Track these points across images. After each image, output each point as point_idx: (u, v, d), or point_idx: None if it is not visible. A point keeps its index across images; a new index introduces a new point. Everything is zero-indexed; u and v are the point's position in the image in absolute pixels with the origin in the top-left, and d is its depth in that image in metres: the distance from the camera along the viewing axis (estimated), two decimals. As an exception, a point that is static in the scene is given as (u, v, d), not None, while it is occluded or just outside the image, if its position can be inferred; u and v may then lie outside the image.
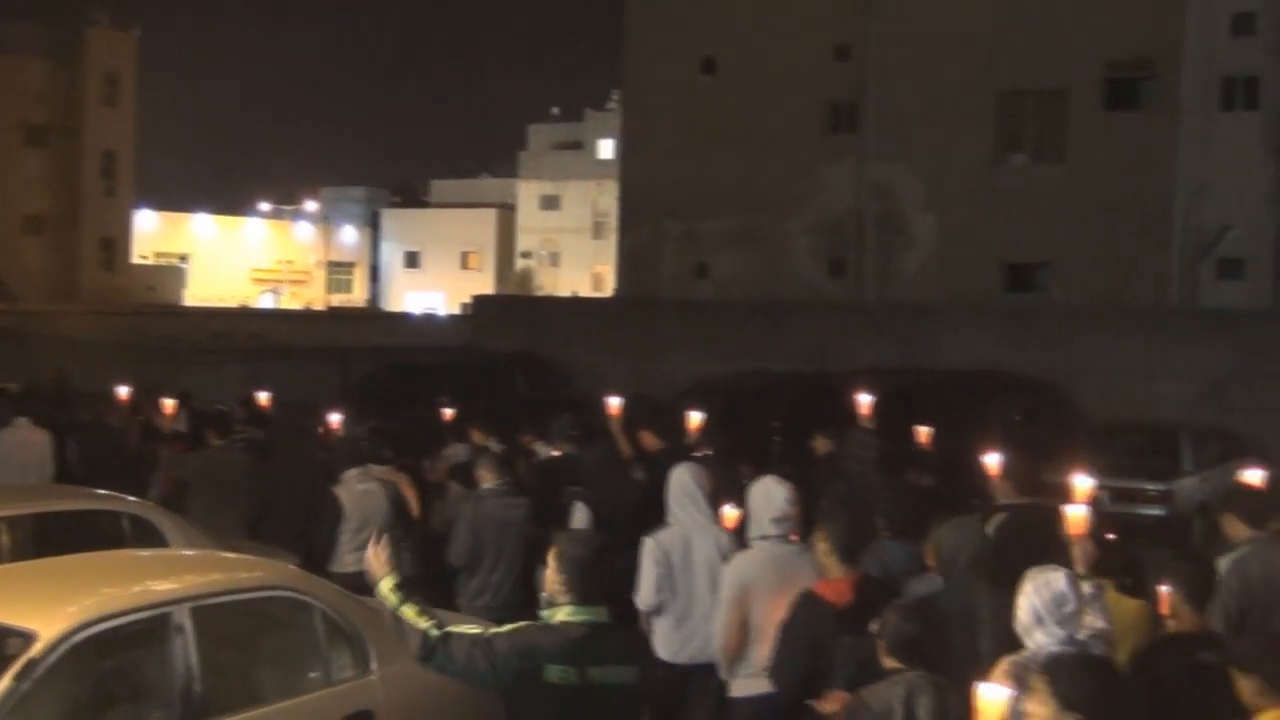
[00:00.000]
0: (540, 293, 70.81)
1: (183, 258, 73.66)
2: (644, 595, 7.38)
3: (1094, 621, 5.15)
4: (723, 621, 6.76)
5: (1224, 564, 6.97)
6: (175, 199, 78.52)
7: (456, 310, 58.90)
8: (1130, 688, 5.19)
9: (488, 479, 9.16)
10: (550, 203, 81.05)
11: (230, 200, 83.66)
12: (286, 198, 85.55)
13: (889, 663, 5.13)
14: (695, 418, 10.14)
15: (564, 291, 70.57)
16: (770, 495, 6.89)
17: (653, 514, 7.84)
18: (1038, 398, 21.36)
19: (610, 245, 49.49)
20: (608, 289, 59.91)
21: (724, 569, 7.00)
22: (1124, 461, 18.01)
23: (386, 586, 5.43)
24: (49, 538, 8.01)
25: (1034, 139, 29.89)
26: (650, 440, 10.08)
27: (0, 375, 18.17)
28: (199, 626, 6.08)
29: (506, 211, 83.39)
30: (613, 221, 49.25)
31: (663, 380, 23.01)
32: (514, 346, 26.78)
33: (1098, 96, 28.80)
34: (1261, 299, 26.79)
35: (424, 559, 9.42)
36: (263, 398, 14.00)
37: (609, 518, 8.78)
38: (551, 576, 5.26)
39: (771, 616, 6.51)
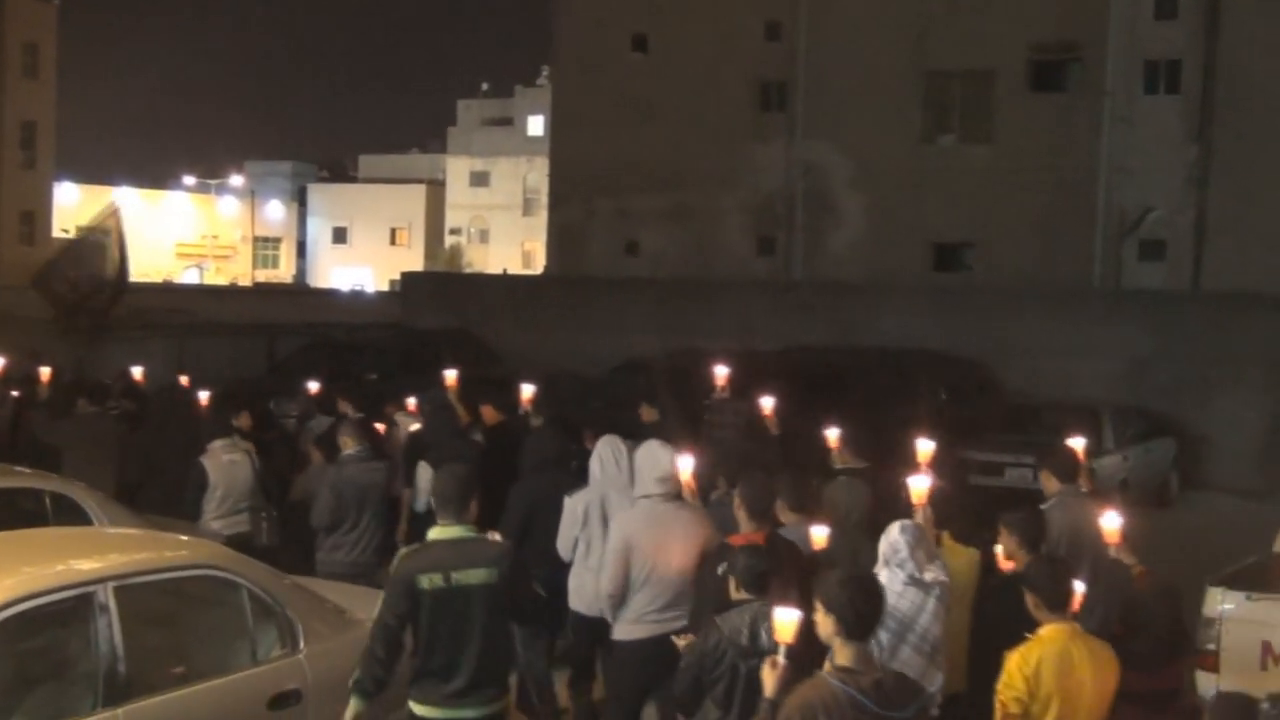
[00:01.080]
0: (470, 270, 70.45)
1: (105, 232, 72.44)
2: (562, 549, 8.16)
3: (938, 575, 6.38)
4: (608, 574, 7.39)
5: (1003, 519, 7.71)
6: (97, 172, 77.37)
7: (385, 287, 58.52)
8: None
9: (349, 445, 9.71)
10: (480, 179, 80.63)
11: (154, 174, 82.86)
12: (212, 171, 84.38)
13: (738, 595, 5.88)
14: (527, 390, 11.03)
15: (494, 269, 70.28)
16: (655, 458, 7.53)
17: (492, 476, 8.41)
18: (964, 376, 21.62)
19: (540, 222, 49.34)
20: (538, 266, 59.78)
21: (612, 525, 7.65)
22: (1047, 439, 18.31)
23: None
24: (-30, 517, 7.87)
25: (961, 119, 30.15)
26: (490, 413, 10.96)
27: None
28: (123, 606, 6.02)
29: (436, 188, 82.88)
30: (543, 198, 49.11)
31: (593, 357, 23.03)
32: (443, 324, 26.62)
33: (1024, 78, 29.11)
34: (1182, 281, 27.27)
35: (284, 526, 9.97)
36: (137, 372, 14.26)
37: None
38: (434, 501, 6.52)
39: (653, 568, 7.27)
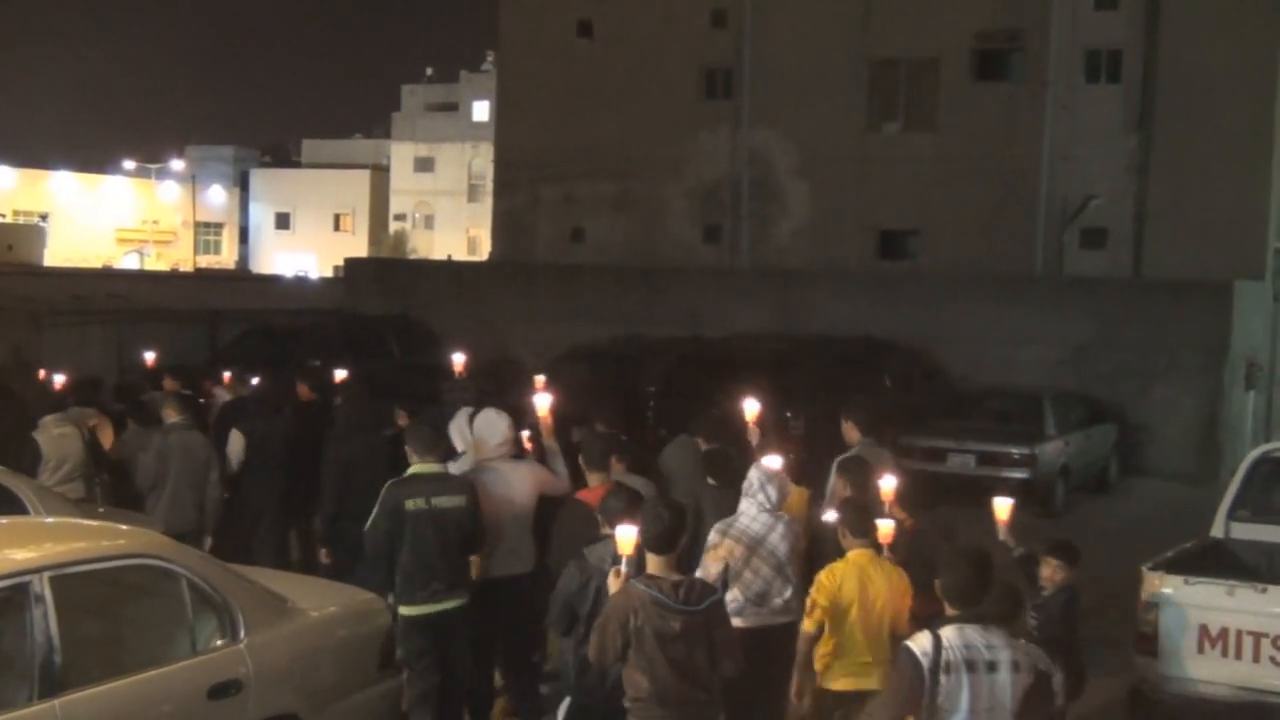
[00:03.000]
0: (414, 256, 70.05)
1: (43, 216, 71.36)
2: None
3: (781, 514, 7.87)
4: None
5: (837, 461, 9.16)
6: (34, 155, 76.33)
7: (329, 273, 58.05)
8: None
9: (172, 415, 11.00)
10: (424, 165, 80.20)
11: (92, 157, 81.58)
12: (152, 155, 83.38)
13: (605, 530, 6.87)
14: (340, 374, 13.48)
15: (439, 255, 69.93)
16: (494, 424, 8.71)
17: (301, 446, 10.95)
18: (908, 363, 21.79)
19: (486, 208, 49.11)
20: (484, 253, 59.51)
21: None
22: (990, 426, 18.55)
23: None
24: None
25: (906, 107, 30.25)
26: (305, 391, 12.73)
27: None
28: (59, 596, 5.95)
29: (380, 173, 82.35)
30: (488, 185, 48.85)
31: (538, 344, 22.98)
32: (387, 310, 26.47)
33: (967, 66, 29.25)
34: (1122, 268, 27.55)
35: (113, 490, 11.14)
36: None
37: (262, 445, 11.21)
38: (408, 447, 8.25)
39: (497, 519, 8.39)
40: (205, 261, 77.40)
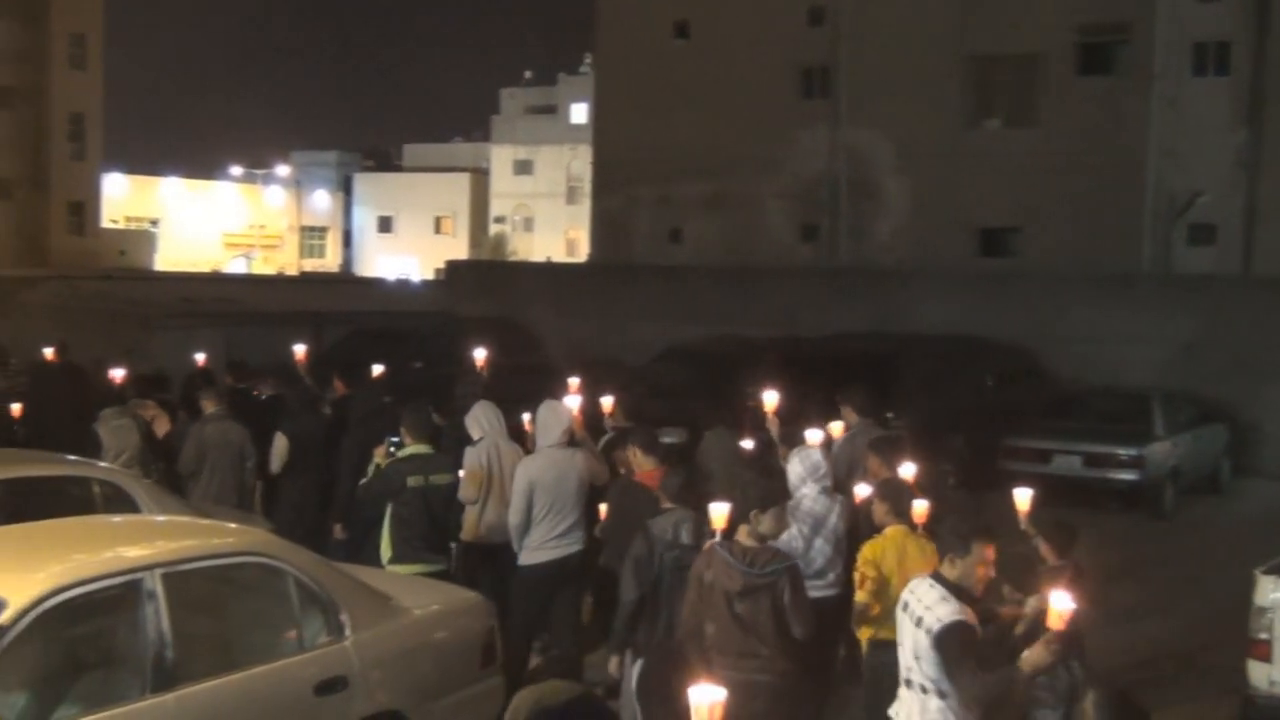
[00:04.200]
0: (514, 258, 70.56)
1: (153, 222, 72.99)
2: (465, 495, 9.60)
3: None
4: (514, 508, 8.95)
5: (837, 442, 9.98)
6: (145, 162, 77.75)
7: (430, 276, 58.68)
8: None
9: (210, 407, 11.58)
10: (524, 167, 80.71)
11: (201, 164, 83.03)
12: (258, 161, 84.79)
13: (666, 504, 7.81)
14: (377, 368, 13.42)
15: (538, 256, 70.37)
16: (559, 413, 9.21)
17: (337, 440, 11.57)
18: (1010, 363, 21.45)
19: (584, 210, 49.35)
20: (582, 254, 59.79)
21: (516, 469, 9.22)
22: (1096, 426, 18.17)
23: None
24: (20, 504, 7.95)
25: (1006, 103, 29.87)
26: (340, 387, 13.30)
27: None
28: (170, 592, 6.05)
29: (480, 176, 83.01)
30: (586, 186, 49.10)
31: (636, 345, 23.02)
32: (487, 312, 26.67)
33: (1070, 61, 28.80)
34: (1232, 265, 26.92)
35: (167, 475, 11.38)
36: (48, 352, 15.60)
37: (304, 442, 11.57)
38: (405, 430, 9.31)
39: (550, 506, 8.88)
40: (310, 265, 78.64)
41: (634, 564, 7.54)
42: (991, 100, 30.12)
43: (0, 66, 55.74)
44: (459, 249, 72.37)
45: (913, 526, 7.70)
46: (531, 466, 9.04)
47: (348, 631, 6.85)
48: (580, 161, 68.55)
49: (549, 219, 78.88)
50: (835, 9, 30.96)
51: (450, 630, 7.75)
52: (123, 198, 71.41)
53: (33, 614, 5.55)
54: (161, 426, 12.32)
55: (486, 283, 30.38)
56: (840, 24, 30.89)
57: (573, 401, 9.60)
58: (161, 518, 8.35)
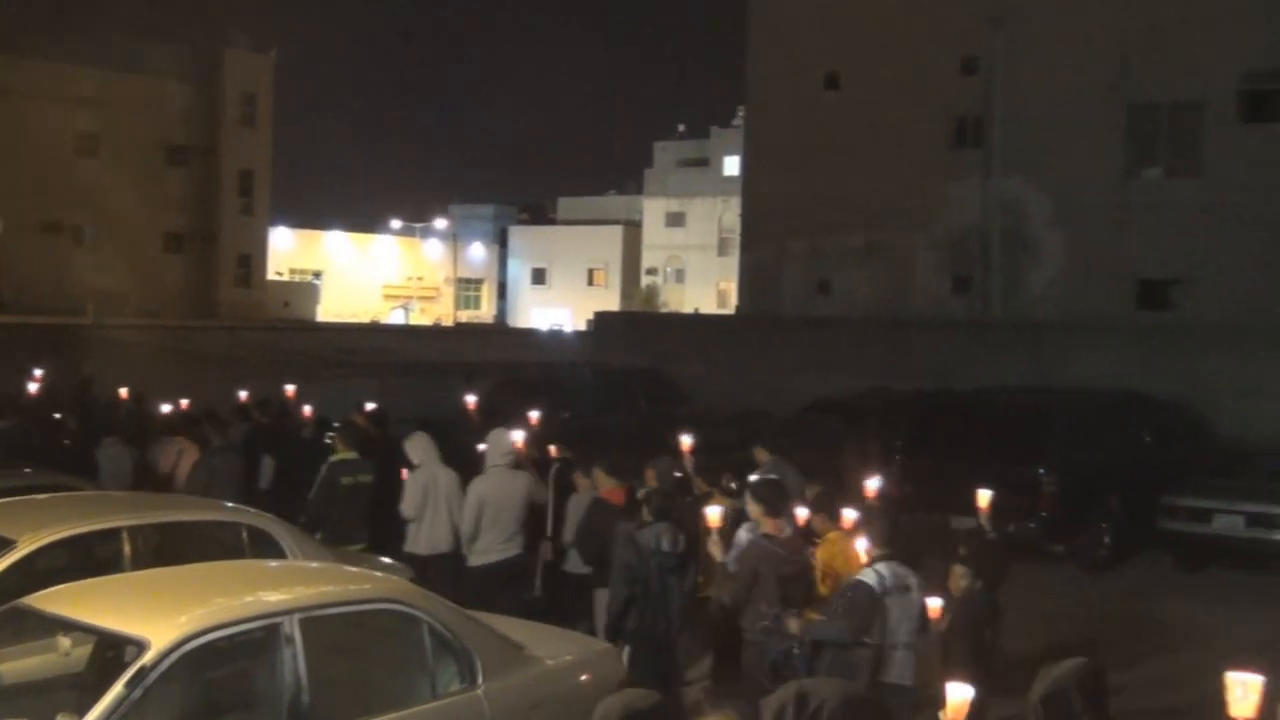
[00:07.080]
0: (665, 309, 70.90)
1: (317, 274, 75.21)
2: (407, 509, 11.25)
3: None
4: (466, 519, 10.67)
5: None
6: (310, 216, 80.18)
7: (583, 327, 59.30)
8: None
9: (215, 440, 13.38)
10: (675, 219, 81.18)
11: (363, 218, 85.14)
12: (417, 215, 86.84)
13: (646, 518, 8.94)
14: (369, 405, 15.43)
15: (689, 308, 70.60)
16: (502, 439, 10.95)
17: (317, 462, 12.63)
18: (1170, 418, 20.76)
19: (735, 262, 49.37)
20: (732, 305, 59.84)
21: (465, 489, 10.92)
22: (1261, 485, 17.46)
23: None
24: (169, 547, 8.22)
25: (1167, 152, 29.10)
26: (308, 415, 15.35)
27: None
28: (308, 637, 6.17)
29: (632, 228, 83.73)
30: (738, 238, 49.12)
31: (785, 397, 22.88)
32: (636, 362, 26.82)
33: (1234, 108, 27.97)
34: None
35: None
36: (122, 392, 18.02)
37: (290, 466, 13.67)
38: (338, 441, 11.81)
39: (496, 518, 10.59)
40: (465, 316, 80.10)
41: (624, 569, 8.76)
42: (1151, 149, 29.39)
43: (176, 126, 58.26)
44: (611, 300, 73.04)
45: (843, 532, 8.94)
46: (481, 484, 10.74)
47: (480, 679, 6.90)
48: (732, 213, 68.62)
49: (700, 271, 79.13)
50: (989, 58, 30.61)
51: (582, 679, 7.75)
52: (288, 251, 73.70)
53: (174, 655, 5.71)
54: (189, 458, 13.61)
55: (634, 334, 30.59)
56: (993, 73, 30.52)
57: (518, 435, 11.20)
58: (304, 563, 8.54)
